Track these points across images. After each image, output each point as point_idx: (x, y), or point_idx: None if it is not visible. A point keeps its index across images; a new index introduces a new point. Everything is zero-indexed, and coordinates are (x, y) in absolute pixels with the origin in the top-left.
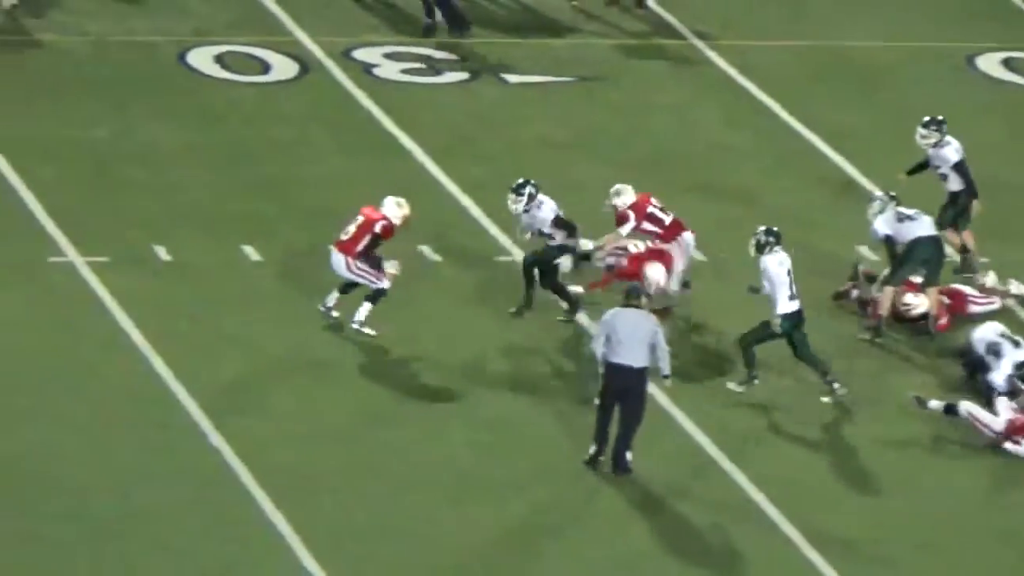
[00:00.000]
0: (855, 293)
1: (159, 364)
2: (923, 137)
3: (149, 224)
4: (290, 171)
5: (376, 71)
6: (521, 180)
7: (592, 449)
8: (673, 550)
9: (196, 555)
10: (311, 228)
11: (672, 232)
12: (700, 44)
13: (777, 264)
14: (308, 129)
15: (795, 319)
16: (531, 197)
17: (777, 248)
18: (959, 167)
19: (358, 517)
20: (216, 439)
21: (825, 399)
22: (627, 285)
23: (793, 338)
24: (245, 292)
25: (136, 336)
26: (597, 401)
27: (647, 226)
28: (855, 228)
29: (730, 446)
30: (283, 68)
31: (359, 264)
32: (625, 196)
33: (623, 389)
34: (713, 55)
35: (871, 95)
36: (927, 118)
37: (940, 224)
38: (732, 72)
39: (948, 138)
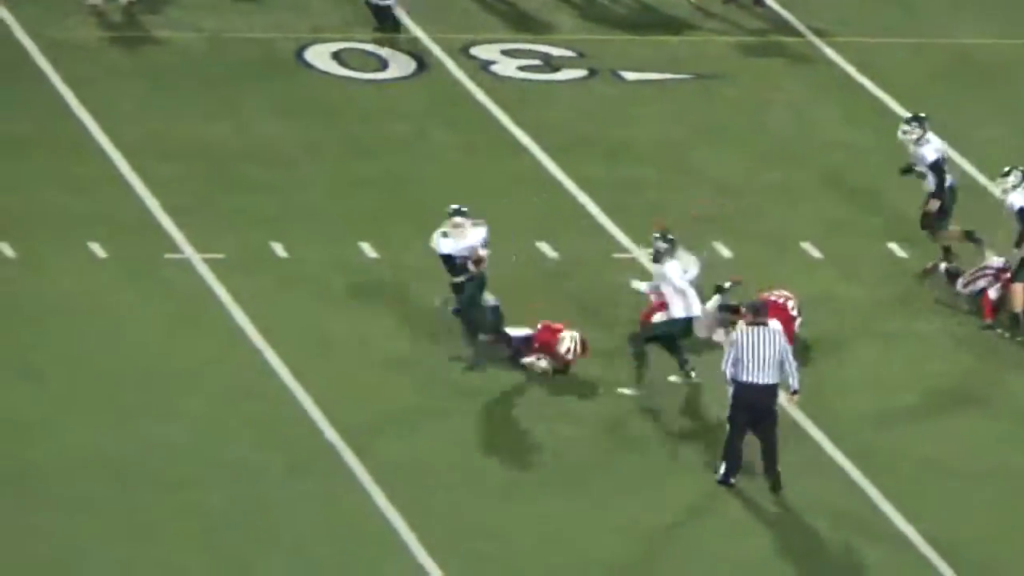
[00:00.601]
0: (943, 266)
1: (275, 360)
2: (904, 133)
3: (266, 221)
4: (407, 168)
5: (494, 68)
6: (453, 207)
7: (722, 468)
8: (793, 553)
9: (310, 551)
10: (428, 225)
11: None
12: (818, 41)
13: (681, 270)
14: (425, 126)
15: (685, 325)
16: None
17: (676, 253)
18: (935, 166)
19: (472, 514)
20: (331, 435)
21: (624, 390)
22: (752, 302)
23: (674, 340)
24: (361, 289)
25: (252, 332)
26: (728, 422)
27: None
28: (973, 225)
29: (853, 451)
30: (401, 65)
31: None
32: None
33: (754, 407)
34: (831, 52)
35: (988, 92)
36: (909, 115)
37: (924, 226)
38: (850, 69)
39: (929, 135)
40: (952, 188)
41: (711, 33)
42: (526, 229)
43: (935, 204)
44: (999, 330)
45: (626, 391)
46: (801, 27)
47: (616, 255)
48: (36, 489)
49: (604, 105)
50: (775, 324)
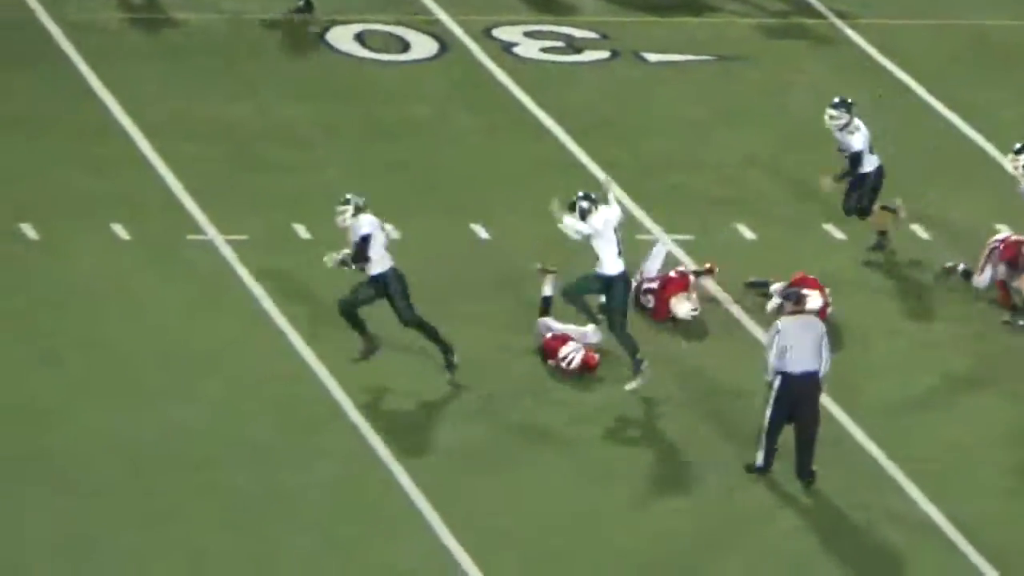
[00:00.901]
0: (962, 266)
1: (297, 341)
2: (832, 118)
3: (288, 202)
4: (428, 150)
5: (516, 50)
6: (347, 195)
7: (760, 459)
8: (816, 536)
9: (332, 531)
10: (450, 207)
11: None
12: (840, 23)
13: (603, 222)
14: (447, 108)
15: (621, 280)
16: (357, 208)
17: (600, 207)
18: (856, 158)
19: (498, 496)
20: (355, 416)
21: (631, 385)
22: (787, 291)
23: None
24: None
25: (274, 314)
26: (768, 413)
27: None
28: (992, 206)
29: (877, 433)
30: (423, 47)
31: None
32: None
33: (796, 397)
34: (853, 34)
35: (1009, 74)
36: (837, 99)
37: (859, 212)
38: (872, 51)
39: (857, 122)
40: (881, 172)
41: (733, 15)
42: (548, 210)
43: (839, 187)
44: (1006, 318)
45: (633, 385)
46: (823, 9)
47: (638, 236)
48: (55, 473)
49: (626, 87)
50: (813, 302)
